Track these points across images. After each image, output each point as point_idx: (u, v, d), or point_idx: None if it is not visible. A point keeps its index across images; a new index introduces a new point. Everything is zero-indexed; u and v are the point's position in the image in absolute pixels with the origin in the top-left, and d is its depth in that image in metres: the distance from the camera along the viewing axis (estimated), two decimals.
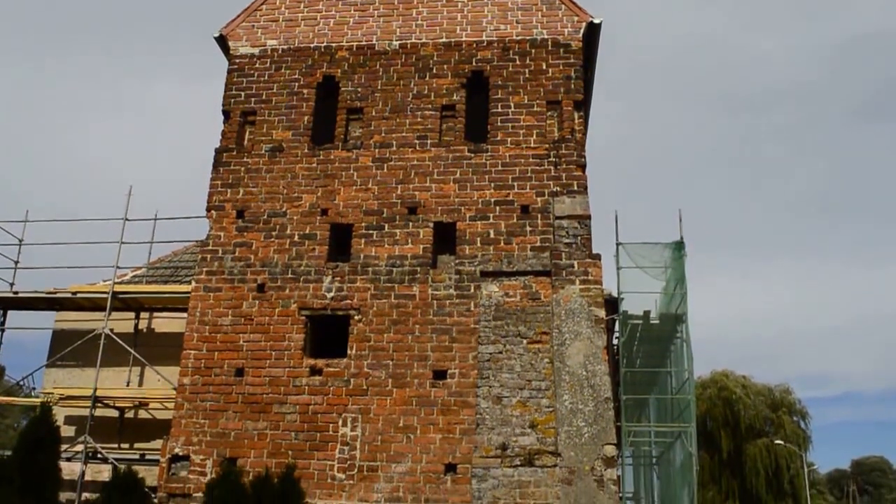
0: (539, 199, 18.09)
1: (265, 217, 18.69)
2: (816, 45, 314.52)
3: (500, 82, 19.34)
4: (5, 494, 12.29)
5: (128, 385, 22.94)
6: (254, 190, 18.98)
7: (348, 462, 16.49)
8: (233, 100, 20.04)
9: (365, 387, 17.02)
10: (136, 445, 22.73)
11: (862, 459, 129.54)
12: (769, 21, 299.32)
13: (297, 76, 20.07)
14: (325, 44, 20.30)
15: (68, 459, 20.12)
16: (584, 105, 19.65)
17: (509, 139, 18.71)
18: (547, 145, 18.56)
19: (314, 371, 17.33)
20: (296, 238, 18.43)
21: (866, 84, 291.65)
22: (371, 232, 18.26)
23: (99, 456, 21.65)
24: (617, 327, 24.81)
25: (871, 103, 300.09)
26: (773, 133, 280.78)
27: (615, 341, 25.59)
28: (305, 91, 19.90)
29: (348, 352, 17.43)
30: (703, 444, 50.05)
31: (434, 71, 19.64)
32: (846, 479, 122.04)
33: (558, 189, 18.14)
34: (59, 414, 18.45)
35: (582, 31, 19.63)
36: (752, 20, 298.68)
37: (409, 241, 18.07)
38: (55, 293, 23.48)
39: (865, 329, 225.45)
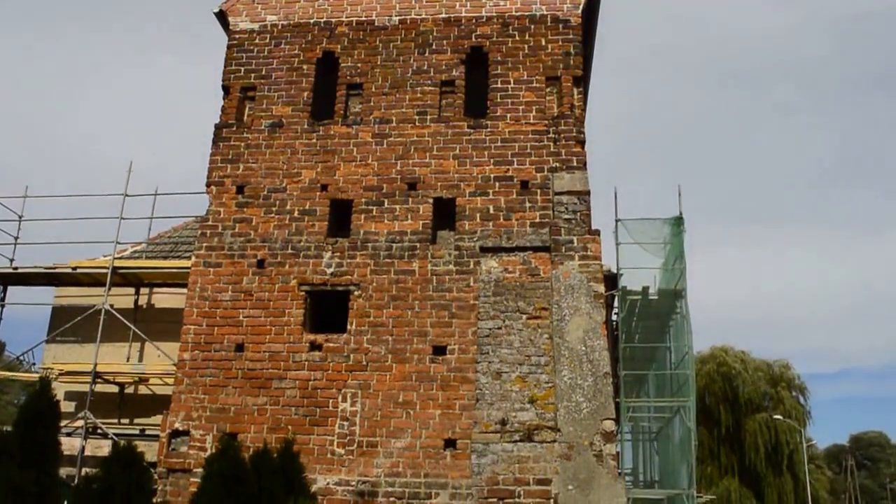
0: (538, 174, 18.08)
1: (265, 193, 18.68)
2: (821, 20, 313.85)
3: (499, 58, 19.29)
4: (5, 469, 12.27)
5: (128, 360, 23.03)
6: (254, 165, 18.97)
7: (348, 437, 16.51)
8: (232, 75, 19.99)
9: (364, 362, 17.04)
10: (136, 421, 22.87)
11: (860, 434, 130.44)
12: None
13: (296, 52, 20.02)
14: (324, 19, 20.23)
15: (68, 435, 20.24)
16: (583, 81, 19.59)
17: (509, 115, 18.67)
18: (546, 121, 18.52)
19: (314, 346, 17.34)
20: (295, 214, 18.42)
21: (870, 60, 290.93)
22: (371, 208, 18.25)
23: (99, 431, 21.78)
24: (616, 303, 24.93)
25: (879, 78, 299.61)
26: (775, 108, 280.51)
27: (614, 317, 25.71)
28: (305, 67, 19.86)
29: (348, 327, 17.43)
30: (702, 420, 50.14)
31: (433, 46, 19.59)
32: (844, 453, 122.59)
33: (558, 165, 18.12)
34: (59, 390, 18.47)
35: (581, 6, 19.53)
36: None
37: (409, 216, 18.07)
38: (55, 269, 23.58)
39: (864, 305, 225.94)
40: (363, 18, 20.08)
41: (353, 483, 16.19)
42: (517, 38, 19.44)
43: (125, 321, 22.53)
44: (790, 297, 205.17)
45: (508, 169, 18.18)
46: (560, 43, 19.27)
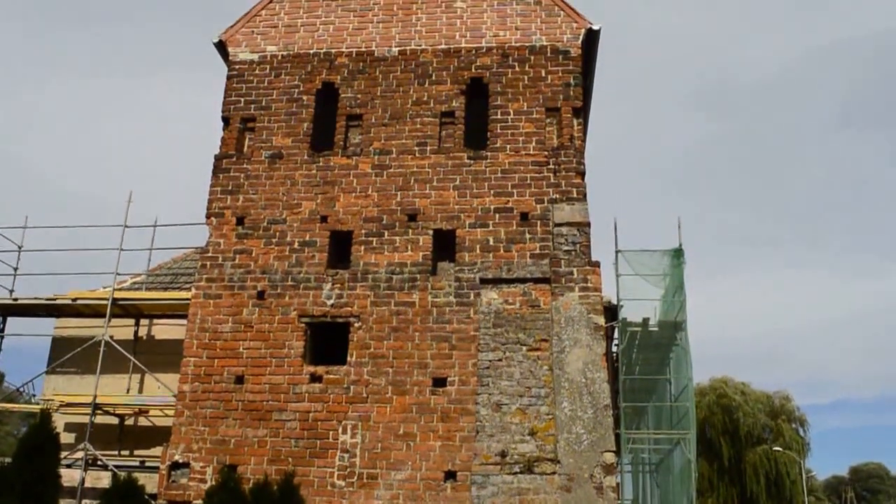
0: (538, 206, 18.12)
1: (265, 224, 18.72)
2: (821, 49, 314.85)
3: (499, 89, 19.37)
4: (6, 501, 12.31)
5: (128, 392, 22.99)
6: (253, 196, 19.00)
7: (348, 469, 16.51)
8: (232, 106, 20.05)
9: (365, 394, 17.05)
10: (136, 452, 22.80)
11: (860, 466, 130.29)
12: (771, 24, 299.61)
13: (296, 82, 20.09)
14: (324, 50, 20.32)
15: (68, 466, 20.16)
16: (583, 112, 19.67)
17: (508, 146, 18.74)
18: (546, 152, 18.58)
19: (314, 378, 17.35)
20: (295, 245, 18.46)
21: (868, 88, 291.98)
22: (371, 239, 18.29)
23: (99, 463, 21.70)
24: (616, 334, 24.88)
25: (858, 107, 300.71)
26: (776, 137, 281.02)
27: (614, 348, 25.65)
28: (305, 97, 19.92)
29: (348, 359, 17.45)
30: (703, 451, 50.29)
31: (433, 77, 19.66)
32: (844, 485, 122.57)
33: (557, 196, 18.17)
34: (59, 421, 18.53)
35: (581, 37, 19.66)
36: (753, 23, 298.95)
37: (409, 248, 18.10)
38: (55, 300, 23.55)
39: (863, 336, 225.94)
40: (363, 49, 20.17)
41: None
42: (517, 69, 19.52)
43: (125, 352, 22.50)
44: (790, 329, 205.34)
45: (508, 200, 18.22)
46: (560, 74, 19.35)
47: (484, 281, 17.68)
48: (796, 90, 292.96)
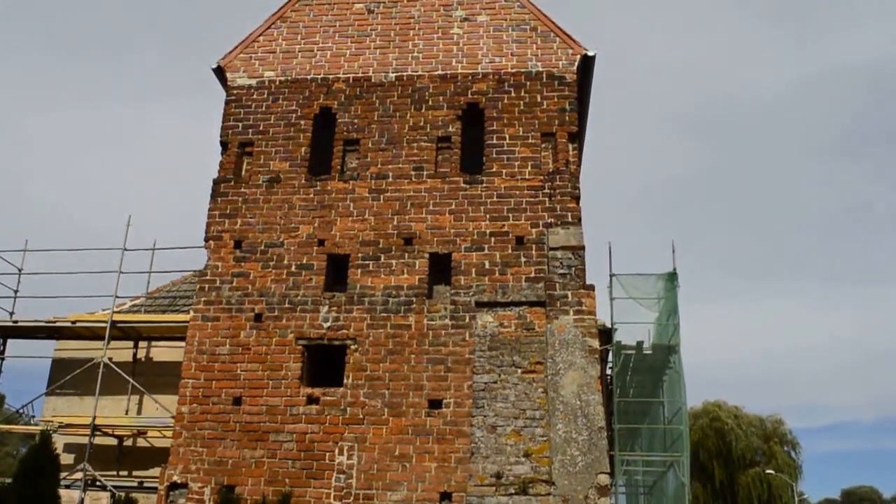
0: (533, 230, 18.24)
1: (262, 247, 18.85)
2: (815, 79, 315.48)
3: (495, 114, 19.51)
4: None
5: (126, 413, 23.10)
6: (251, 220, 19.15)
7: (344, 490, 16.58)
8: (230, 131, 20.19)
9: (361, 416, 17.15)
10: (135, 473, 22.91)
11: (852, 489, 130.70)
12: (765, 52, 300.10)
13: (294, 107, 20.24)
14: (321, 75, 20.48)
15: (67, 487, 20.33)
16: (578, 137, 19.79)
17: (504, 171, 18.86)
18: (541, 177, 18.71)
19: (311, 400, 17.45)
20: (293, 268, 18.59)
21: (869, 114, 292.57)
22: (367, 262, 18.41)
23: (98, 483, 21.83)
24: (610, 357, 25.00)
25: (851, 135, 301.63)
26: (769, 162, 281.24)
27: (609, 371, 25.76)
28: (302, 122, 20.06)
29: (345, 381, 17.55)
30: (696, 474, 50.38)
31: (430, 103, 19.81)
32: None
33: (553, 220, 18.29)
34: (59, 442, 18.62)
35: (576, 63, 19.79)
36: (748, 52, 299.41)
37: (405, 271, 18.23)
38: (54, 322, 23.71)
39: (856, 360, 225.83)
40: (360, 75, 20.33)
41: None
42: (513, 94, 19.66)
43: (124, 374, 22.65)
44: (783, 352, 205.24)
45: (504, 224, 18.34)
46: (555, 99, 19.49)
47: (479, 304, 17.79)
48: (790, 117, 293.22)
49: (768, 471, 64.78)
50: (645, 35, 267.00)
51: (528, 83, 19.73)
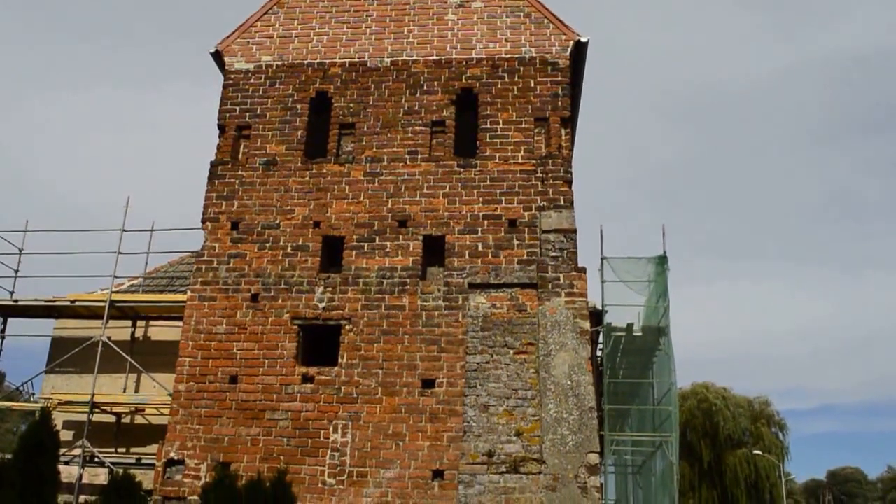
0: (526, 213, 18.43)
1: (259, 229, 19.05)
2: (809, 65, 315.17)
3: (488, 99, 19.68)
4: (6, 497, 12.48)
5: (124, 391, 23.29)
6: (248, 202, 19.33)
7: (338, 468, 16.82)
8: (228, 114, 20.37)
9: (355, 395, 17.37)
10: (133, 450, 23.02)
11: (837, 470, 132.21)
12: (755, 39, 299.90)
13: (290, 91, 20.42)
14: (318, 60, 20.65)
15: (66, 463, 20.43)
16: (570, 121, 19.90)
17: (497, 154, 19.05)
18: (534, 161, 18.89)
19: (306, 379, 17.67)
20: (289, 249, 18.78)
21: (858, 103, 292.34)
22: (362, 244, 18.61)
23: (96, 460, 21.96)
24: (601, 339, 25.24)
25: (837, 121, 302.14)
26: (759, 148, 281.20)
27: (599, 353, 26.00)
28: (299, 106, 20.25)
29: (339, 360, 17.76)
30: (683, 454, 50.65)
31: (424, 87, 19.98)
32: (822, 489, 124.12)
33: (545, 204, 18.46)
34: (58, 419, 18.69)
35: (569, 49, 19.96)
36: (739, 38, 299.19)
37: (399, 253, 18.42)
38: (54, 301, 23.82)
39: (845, 343, 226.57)
40: (356, 60, 20.51)
41: None
42: (506, 79, 19.84)
43: (122, 353, 22.77)
44: (772, 335, 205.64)
45: (497, 207, 18.56)
46: (548, 85, 19.67)
47: (472, 286, 18.00)
48: (778, 103, 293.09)
49: (755, 452, 65.32)
50: (635, 22, 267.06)
51: (522, 68, 19.90)
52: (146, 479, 17.27)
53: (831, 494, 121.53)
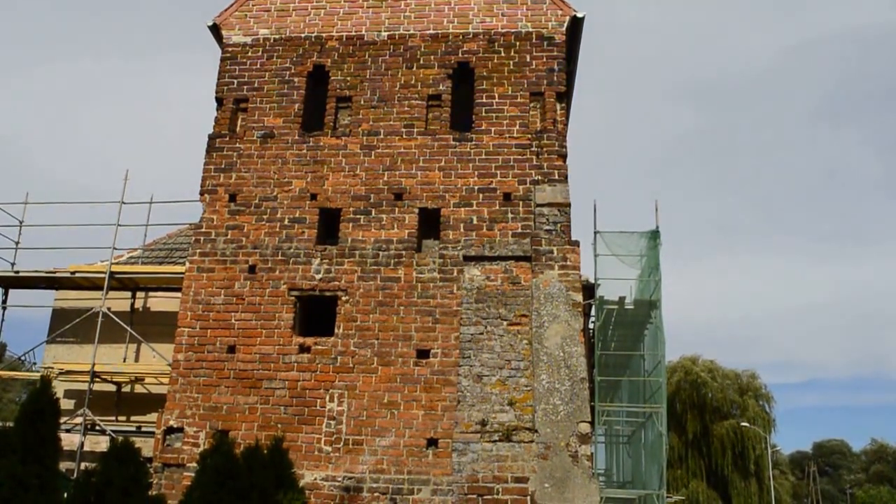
0: (521, 187, 18.57)
1: (256, 201, 19.20)
2: (800, 42, 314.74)
3: (485, 73, 19.78)
4: (8, 463, 12.54)
5: (124, 361, 23.52)
6: (246, 175, 19.48)
7: (335, 436, 17.06)
8: (226, 87, 20.47)
9: (351, 364, 17.57)
10: (133, 418, 23.31)
11: (823, 442, 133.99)
12: (754, 21, 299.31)
13: (288, 65, 20.52)
14: (315, 34, 20.73)
15: (68, 431, 20.72)
16: (566, 96, 20.04)
17: (493, 129, 19.17)
18: (529, 135, 19.02)
19: (303, 349, 17.87)
20: (286, 221, 18.94)
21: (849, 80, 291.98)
22: (358, 216, 18.77)
23: (97, 428, 22.23)
24: (593, 312, 25.41)
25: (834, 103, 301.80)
26: (753, 124, 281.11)
27: (591, 325, 26.21)
28: (296, 79, 20.35)
29: (335, 331, 17.95)
30: (671, 426, 51.18)
31: (421, 61, 20.08)
32: (807, 460, 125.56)
33: (540, 178, 18.61)
34: (59, 388, 18.83)
35: (566, 24, 20.03)
36: (737, 20, 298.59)
37: (395, 225, 18.58)
38: (55, 273, 24.04)
39: (834, 318, 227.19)
40: (353, 33, 20.61)
41: (340, 479, 16.77)
42: (502, 54, 19.94)
43: (122, 323, 23.00)
44: (765, 312, 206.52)
45: (492, 181, 18.72)
46: (544, 59, 19.78)
47: (467, 258, 18.16)
48: (776, 85, 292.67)
49: (742, 423, 65.78)
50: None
51: (518, 43, 19.99)
52: (146, 446, 17.45)
53: (816, 466, 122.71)
